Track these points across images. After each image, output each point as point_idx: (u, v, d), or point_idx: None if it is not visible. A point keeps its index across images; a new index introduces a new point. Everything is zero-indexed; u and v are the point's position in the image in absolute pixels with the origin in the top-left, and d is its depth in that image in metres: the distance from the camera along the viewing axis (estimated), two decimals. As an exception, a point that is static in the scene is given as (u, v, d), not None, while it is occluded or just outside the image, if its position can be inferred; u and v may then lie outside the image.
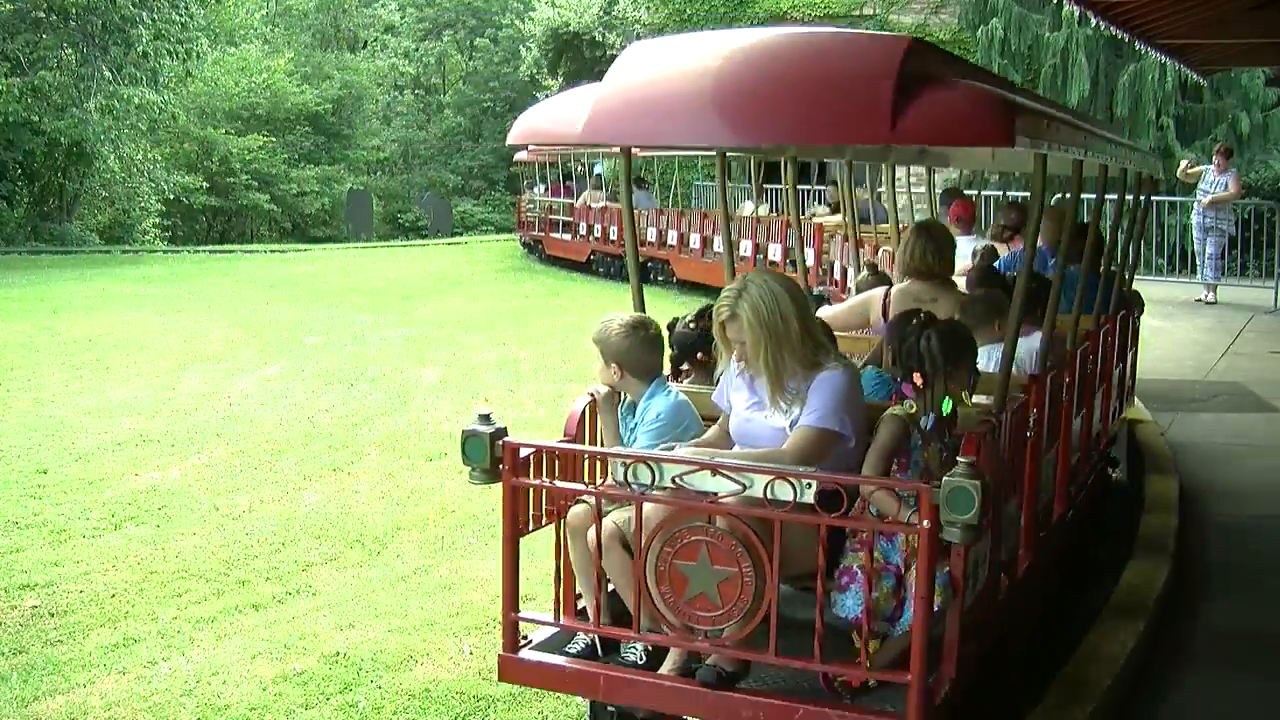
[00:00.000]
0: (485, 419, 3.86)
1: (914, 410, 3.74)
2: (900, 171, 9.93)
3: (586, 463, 4.33)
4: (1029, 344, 4.81)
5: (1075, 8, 9.66)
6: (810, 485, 3.36)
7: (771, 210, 18.14)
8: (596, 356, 4.27)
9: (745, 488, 3.42)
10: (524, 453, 3.85)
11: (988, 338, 4.59)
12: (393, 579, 6.55)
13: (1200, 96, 18.18)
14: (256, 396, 11.10)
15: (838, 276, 13.98)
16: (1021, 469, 4.38)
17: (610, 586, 3.93)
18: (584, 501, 3.95)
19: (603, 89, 3.87)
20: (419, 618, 5.96)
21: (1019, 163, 9.05)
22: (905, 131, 3.41)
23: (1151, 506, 6.51)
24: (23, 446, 9.19)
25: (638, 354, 4.16)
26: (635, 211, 19.70)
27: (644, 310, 4.53)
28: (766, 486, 3.38)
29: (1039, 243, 8.12)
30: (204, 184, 33.79)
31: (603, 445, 4.31)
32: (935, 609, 3.37)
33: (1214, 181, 14.31)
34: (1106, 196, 5.95)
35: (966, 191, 11.02)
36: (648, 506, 3.58)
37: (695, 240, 18.80)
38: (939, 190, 9.92)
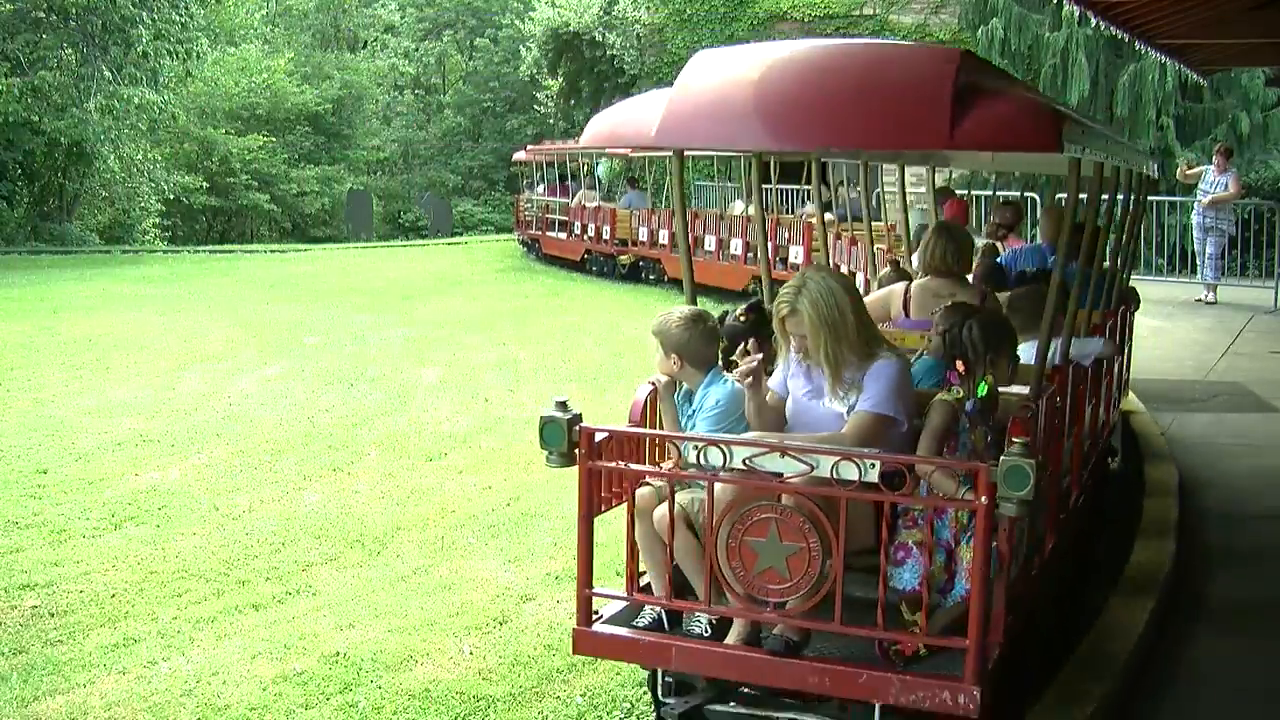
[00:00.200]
0: (562, 406, 4.02)
1: (960, 395, 4.00)
2: (891, 172, 10.01)
3: (648, 447, 4.51)
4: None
5: (1075, 8, 9.66)
6: (874, 465, 3.62)
7: (762, 209, 18.22)
8: (656, 348, 4.46)
9: (812, 468, 3.67)
10: (598, 437, 4.05)
11: (1034, 333, 4.71)
12: (393, 579, 6.55)
13: (1200, 96, 18.17)
14: (256, 396, 11.10)
15: None
16: (1050, 453, 4.54)
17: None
18: (649, 484, 4.16)
19: (674, 95, 4.11)
20: (419, 618, 5.96)
21: (1016, 163, 9.23)
22: (963, 138, 3.68)
23: (1152, 492, 6.69)
24: (23, 446, 9.19)
25: (696, 345, 4.39)
26: (629, 211, 19.76)
27: (695, 304, 4.75)
28: (833, 467, 3.64)
29: (1041, 241, 8.37)
30: (204, 184, 33.77)
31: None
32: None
33: (1214, 181, 14.31)
34: (1104, 197, 6.07)
35: (958, 191, 11.14)
36: (718, 487, 3.81)
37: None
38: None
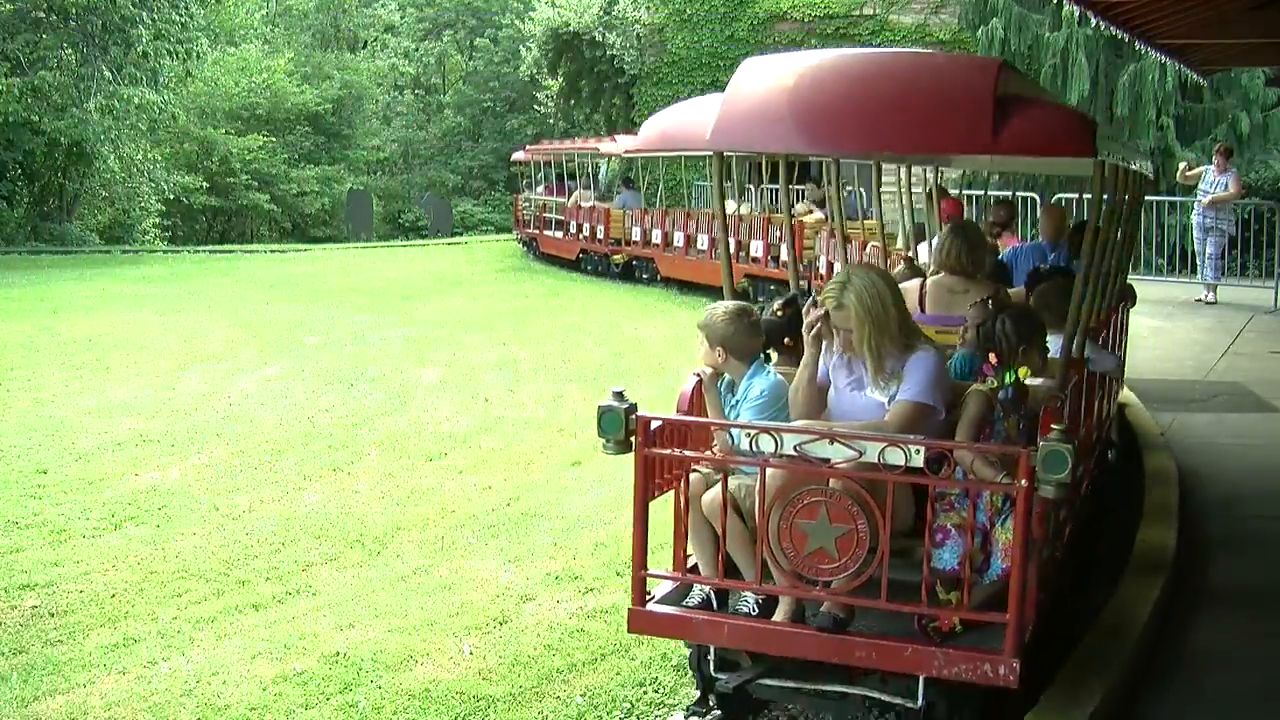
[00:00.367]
0: (619, 396, 4.23)
1: (994, 386, 4.23)
2: (891, 172, 10.16)
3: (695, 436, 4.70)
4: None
5: (1075, 8, 9.66)
6: (919, 451, 3.87)
7: (753, 209, 18.58)
8: (701, 341, 4.65)
9: (861, 454, 3.90)
10: (654, 425, 4.25)
11: (1061, 328, 4.90)
12: (393, 579, 6.55)
13: (1200, 96, 18.16)
14: (256, 396, 11.10)
15: (823, 270, 14.52)
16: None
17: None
18: (697, 471, 4.38)
19: (727, 100, 4.31)
20: (419, 618, 5.96)
21: (1019, 164, 9.35)
22: (1006, 143, 3.92)
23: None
24: (23, 446, 9.19)
25: (741, 338, 4.59)
26: (624, 211, 19.89)
27: (735, 298, 4.94)
28: (880, 452, 3.87)
29: (1041, 238, 8.48)
30: (204, 184, 33.76)
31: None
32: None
33: (1214, 181, 14.30)
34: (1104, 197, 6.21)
35: (951, 191, 11.23)
36: (769, 471, 4.03)
37: (679, 239, 19.29)
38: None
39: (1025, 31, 18.17)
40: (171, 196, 31.76)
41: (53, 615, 6.01)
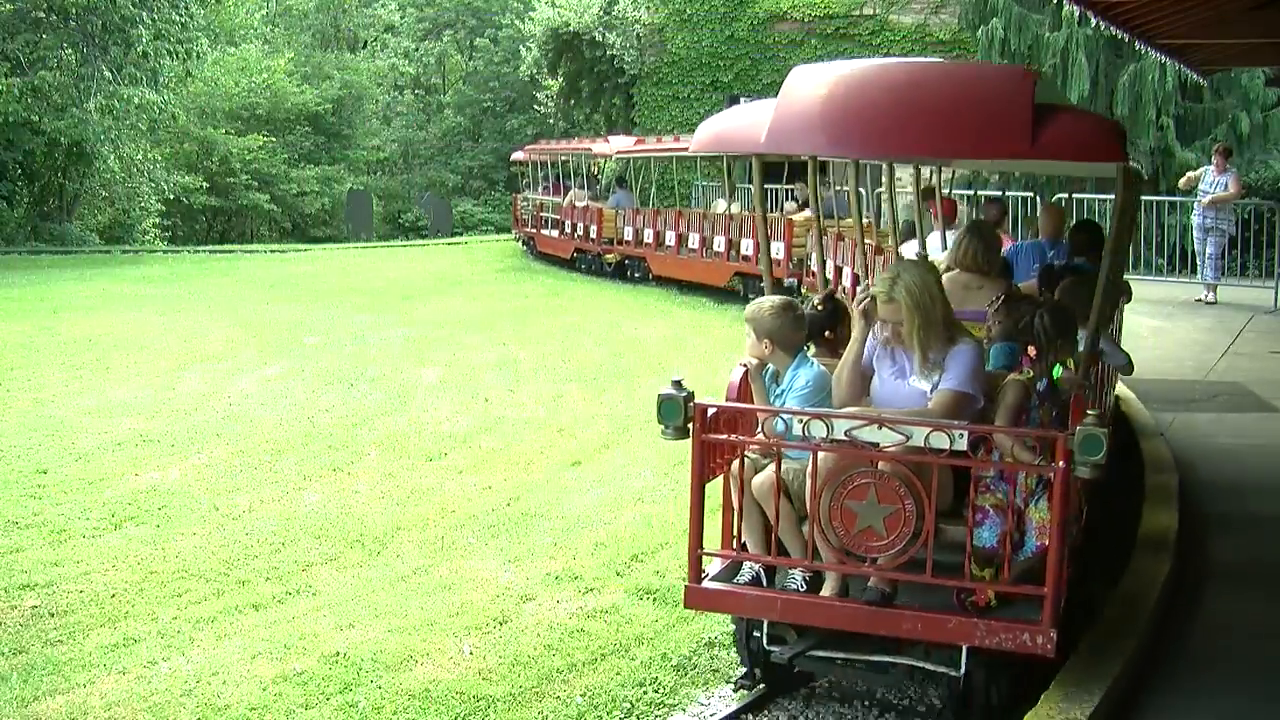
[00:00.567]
0: (678, 385, 4.53)
1: (1031, 376, 4.56)
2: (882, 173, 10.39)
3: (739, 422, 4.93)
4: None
5: (1075, 8, 9.65)
6: (962, 435, 4.17)
7: (744, 208, 18.79)
8: (748, 333, 4.89)
9: (908, 439, 4.19)
10: (710, 412, 4.57)
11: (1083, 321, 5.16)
12: (393, 579, 6.55)
13: (1200, 96, 18.15)
14: (256, 396, 11.10)
15: (814, 268, 14.77)
16: None
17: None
18: (748, 456, 4.65)
19: (779, 106, 4.57)
20: (419, 618, 5.97)
21: (1031, 166, 9.58)
22: (1042, 149, 4.20)
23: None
24: (23, 446, 9.19)
25: (787, 331, 4.84)
26: (616, 211, 20.27)
27: (777, 293, 5.19)
28: (926, 437, 4.17)
29: (1041, 236, 8.61)
30: (204, 184, 33.73)
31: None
32: (1047, 540, 4.18)
33: (1214, 181, 14.28)
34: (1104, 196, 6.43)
35: (945, 190, 11.40)
36: (820, 455, 4.33)
37: (671, 238, 19.50)
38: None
39: (1025, 31, 18.17)
40: (171, 196, 31.74)
41: (53, 615, 6.01)
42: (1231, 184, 14.26)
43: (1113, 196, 6.63)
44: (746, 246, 17.34)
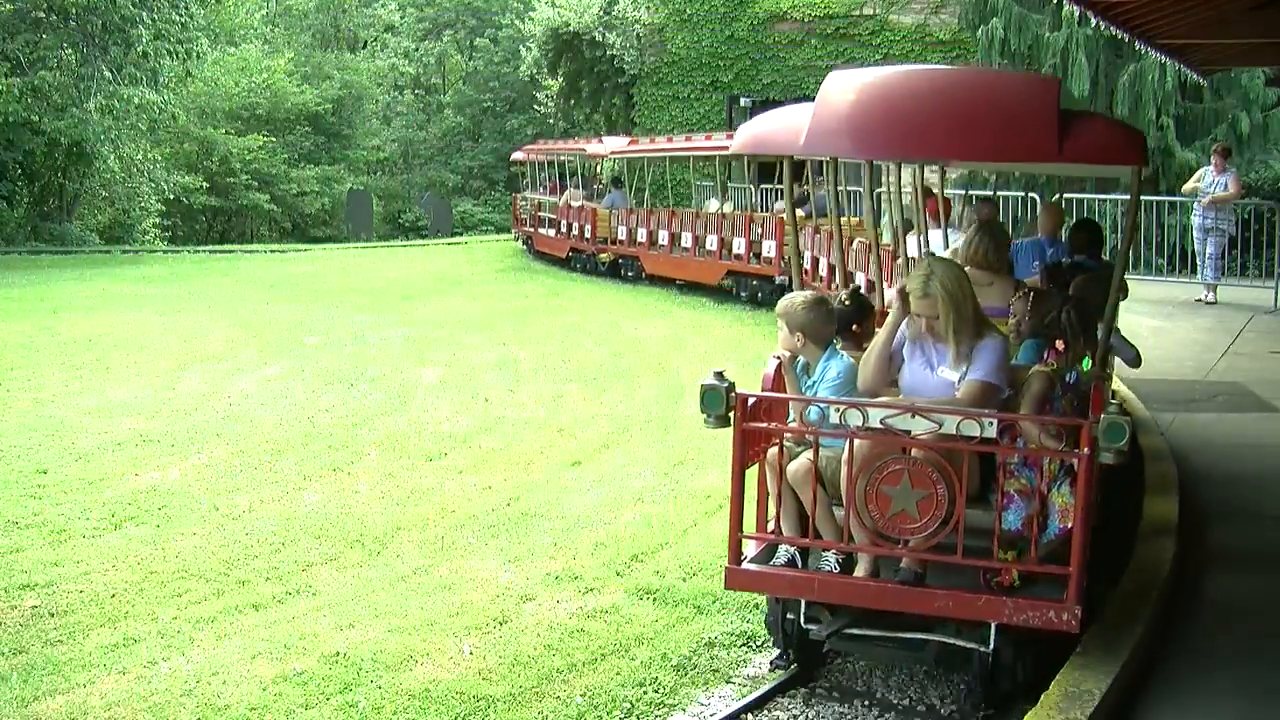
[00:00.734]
0: (720, 375, 4.74)
1: (1057, 368, 4.79)
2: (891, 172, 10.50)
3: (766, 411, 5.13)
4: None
5: (1075, 8, 9.64)
6: (992, 423, 4.43)
7: (735, 207, 18.90)
8: (781, 327, 5.11)
9: (940, 426, 4.42)
10: (750, 402, 4.78)
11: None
12: (393, 579, 6.55)
13: (1200, 96, 18.14)
14: (256, 396, 11.10)
15: (807, 266, 15.15)
16: None
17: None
18: (785, 444, 4.89)
19: (817, 110, 4.79)
20: (419, 618, 5.96)
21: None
22: (1069, 154, 4.46)
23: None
24: (23, 446, 9.19)
25: (817, 325, 5.05)
26: (610, 211, 20.76)
27: (803, 289, 5.42)
28: (958, 425, 4.41)
29: (1039, 234, 8.71)
30: (204, 184, 33.75)
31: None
32: (1070, 524, 4.41)
33: (1213, 181, 14.27)
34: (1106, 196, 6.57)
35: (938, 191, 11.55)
36: (856, 442, 4.54)
37: (663, 237, 19.70)
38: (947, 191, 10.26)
39: (1025, 31, 18.17)
40: (171, 196, 31.75)
41: (53, 615, 6.00)
42: (1231, 184, 14.25)
43: (1111, 196, 6.74)
44: (738, 245, 17.56)
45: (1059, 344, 4.84)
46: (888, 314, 5.28)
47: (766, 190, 20.36)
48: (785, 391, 5.09)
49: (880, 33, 24.18)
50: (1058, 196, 13.51)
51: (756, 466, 4.97)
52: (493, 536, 7.24)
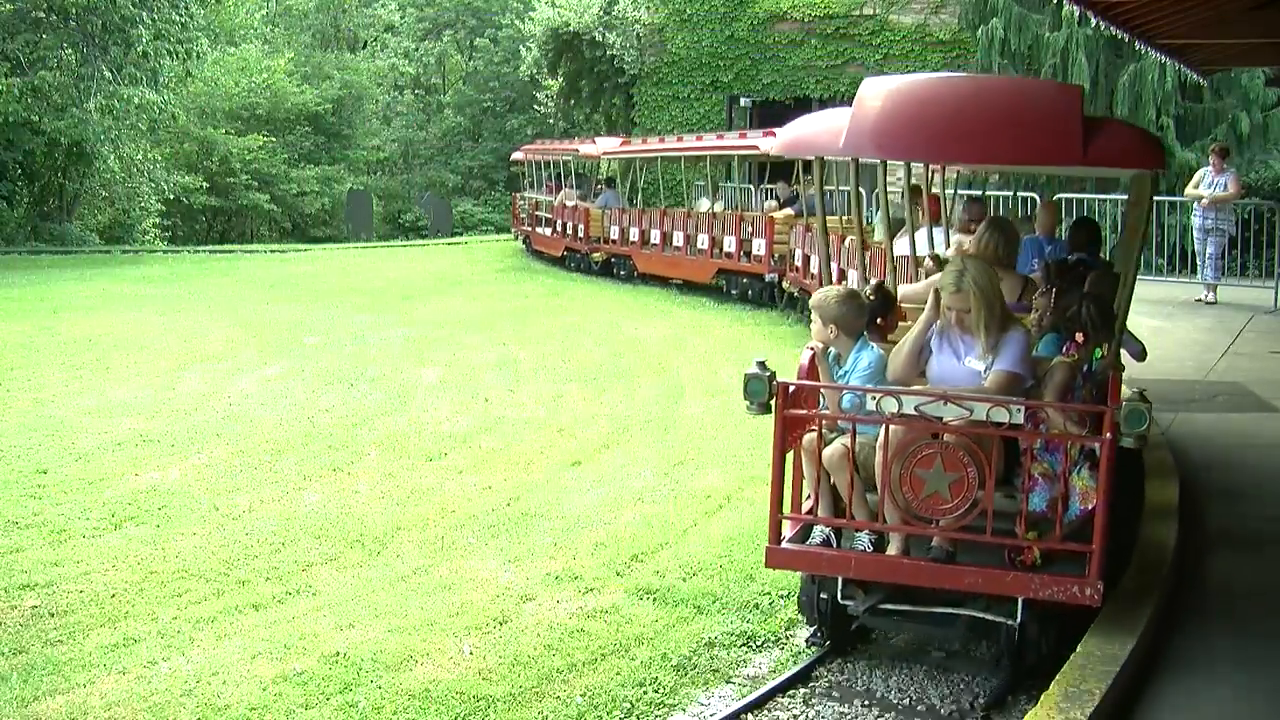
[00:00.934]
0: (762, 365, 5.03)
1: (1077, 359, 5.12)
2: (893, 171, 10.62)
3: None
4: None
5: (1075, 8, 9.65)
6: (1019, 410, 4.70)
7: (726, 206, 19.02)
8: (815, 319, 5.39)
9: (970, 413, 4.71)
10: (791, 390, 5.07)
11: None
12: (393, 579, 6.55)
13: (1200, 96, 18.14)
14: (256, 396, 11.10)
15: (798, 263, 15.36)
16: None
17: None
18: (825, 430, 5.18)
19: (854, 114, 5.11)
20: (419, 618, 5.96)
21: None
22: (1093, 157, 4.75)
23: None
24: (23, 446, 9.18)
25: (850, 318, 5.33)
26: (603, 210, 21.08)
27: (837, 284, 5.93)
28: (988, 411, 4.68)
29: (1037, 232, 8.80)
30: (204, 184, 33.71)
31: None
32: (1091, 505, 4.70)
33: (1212, 182, 14.27)
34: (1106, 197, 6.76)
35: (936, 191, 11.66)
36: (891, 428, 4.81)
37: (655, 236, 19.84)
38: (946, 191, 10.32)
39: (1025, 31, 18.18)
40: (171, 196, 31.73)
41: (53, 615, 6.00)
42: (1231, 184, 14.24)
43: (1110, 197, 6.82)
44: (729, 244, 17.74)
45: (1079, 336, 5.13)
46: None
47: (749, 190, 20.44)
48: (818, 380, 5.36)
49: (880, 33, 24.19)
50: (1058, 196, 13.54)
51: (790, 453, 5.20)
52: (493, 536, 7.24)
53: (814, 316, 5.41)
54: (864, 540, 5.16)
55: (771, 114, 23.80)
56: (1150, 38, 10.28)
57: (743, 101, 25.85)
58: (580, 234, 22.28)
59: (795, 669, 5.29)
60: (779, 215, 17.01)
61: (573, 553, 6.90)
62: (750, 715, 4.94)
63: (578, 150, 23.63)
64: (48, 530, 7.27)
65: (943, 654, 5.51)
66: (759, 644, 5.67)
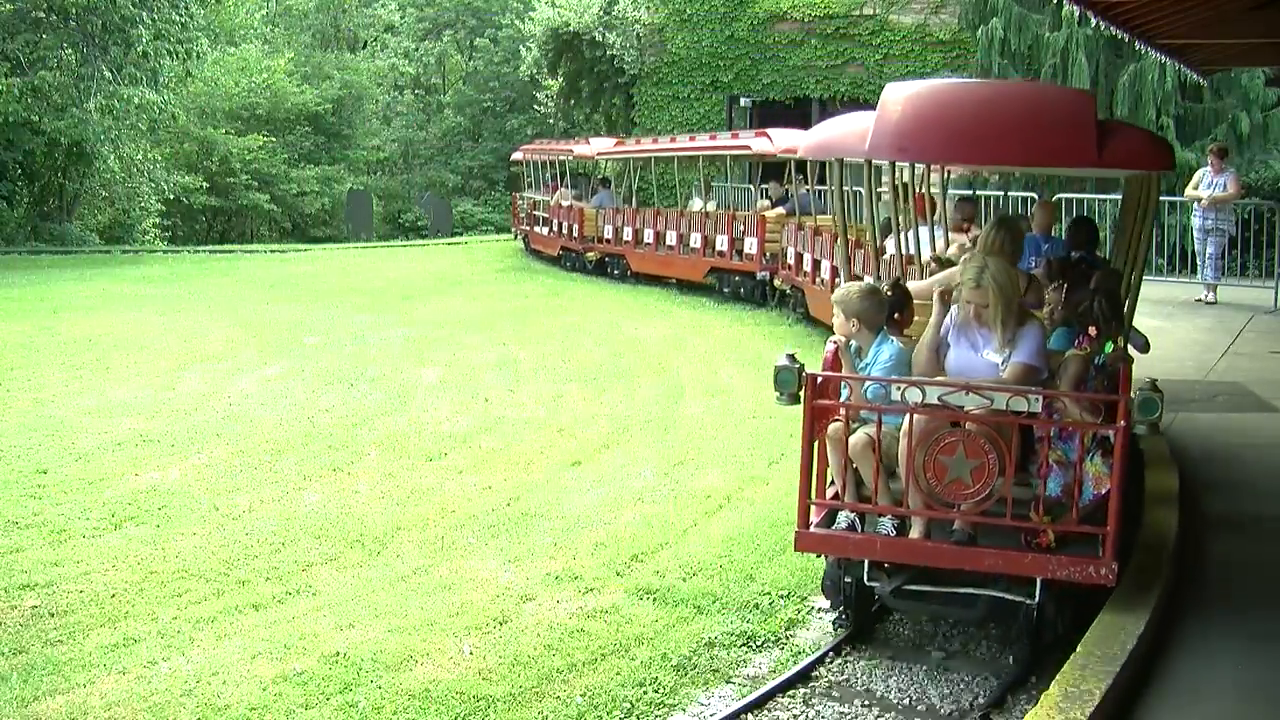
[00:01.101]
0: (791, 358, 5.27)
1: (1089, 352, 5.31)
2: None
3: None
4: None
5: (1075, 8, 9.64)
6: (1038, 400, 4.96)
7: (719, 206, 19.11)
8: (838, 314, 5.62)
9: (991, 403, 4.94)
10: (819, 381, 5.29)
11: None
12: (393, 579, 6.55)
13: (1200, 96, 18.13)
14: (256, 396, 11.10)
15: (791, 261, 15.67)
16: None
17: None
18: (852, 421, 5.34)
19: (878, 117, 5.36)
20: (419, 618, 5.96)
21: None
22: (1107, 159, 5.01)
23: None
24: (23, 446, 9.18)
25: (872, 313, 5.59)
26: (598, 210, 21.21)
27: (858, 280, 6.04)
28: (1008, 401, 4.93)
29: (1034, 230, 8.86)
30: (204, 184, 33.69)
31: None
32: (1104, 490, 4.93)
33: (1211, 182, 14.27)
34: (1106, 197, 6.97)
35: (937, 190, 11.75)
36: (915, 417, 5.03)
37: (649, 236, 19.99)
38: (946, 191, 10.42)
39: (1025, 31, 18.17)
40: (171, 196, 31.71)
41: (53, 615, 6.00)
42: (1230, 184, 14.24)
43: (1109, 196, 6.91)
44: (721, 243, 17.90)
45: (1092, 330, 5.31)
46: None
47: (748, 190, 20.47)
48: (841, 372, 5.54)
49: (880, 33, 24.19)
50: (1057, 196, 13.55)
51: (810, 439, 5.35)
52: (493, 536, 7.24)
53: (836, 311, 5.63)
54: (887, 525, 5.38)
55: (771, 114, 23.82)
56: (1150, 38, 10.28)
57: (743, 101, 25.86)
58: (575, 233, 22.44)
59: (795, 669, 5.30)
60: (771, 214, 17.18)
61: (573, 553, 6.90)
62: (750, 715, 4.94)
63: (572, 151, 23.75)
64: (48, 530, 7.27)
65: (943, 654, 5.52)
66: (759, 644, 5.67)
